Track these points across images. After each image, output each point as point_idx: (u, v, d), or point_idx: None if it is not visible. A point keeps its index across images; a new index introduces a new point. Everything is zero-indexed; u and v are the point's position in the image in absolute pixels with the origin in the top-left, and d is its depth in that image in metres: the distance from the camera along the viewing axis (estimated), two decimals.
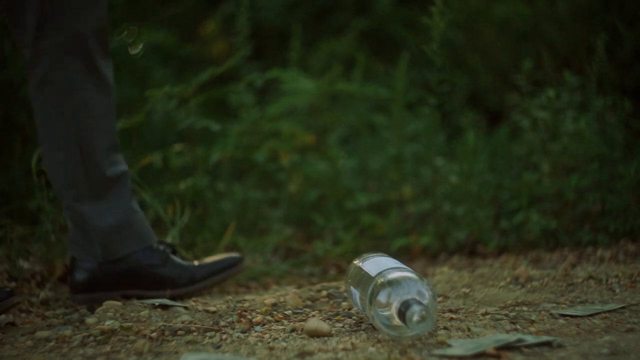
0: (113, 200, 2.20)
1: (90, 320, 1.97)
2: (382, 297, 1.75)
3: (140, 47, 3.68)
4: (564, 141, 2.74)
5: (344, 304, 2.10)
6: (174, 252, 2.31)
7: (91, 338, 1.89)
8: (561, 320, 1.88)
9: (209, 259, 2.37)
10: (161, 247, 2.28)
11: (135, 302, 2.07)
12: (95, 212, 2.19)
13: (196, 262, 2.32)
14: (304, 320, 1.96)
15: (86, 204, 2.18)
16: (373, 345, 1.74)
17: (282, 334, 1.86)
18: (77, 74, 2.13)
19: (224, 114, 3.42)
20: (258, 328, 1.92)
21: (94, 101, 2.16)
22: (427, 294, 1.75)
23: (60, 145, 2.16)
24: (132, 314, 2.00)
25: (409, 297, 1.73)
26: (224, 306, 2.09)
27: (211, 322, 1.97)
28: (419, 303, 1.71)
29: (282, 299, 2.14)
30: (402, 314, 1.71)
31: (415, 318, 1.69)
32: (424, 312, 1.69)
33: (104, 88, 2.16)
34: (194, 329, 1.92)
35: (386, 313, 1.75)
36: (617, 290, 2.10)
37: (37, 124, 2.17)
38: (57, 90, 2.13)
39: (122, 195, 2.21)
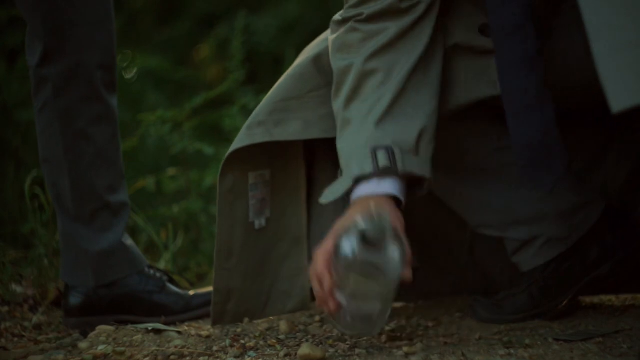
0: (107, 226, 2.20)
1: (83, 345, 1.96)
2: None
3: (135, 71, 3.70)
4: None
5: None
6: (171, 281, 2.31)
7: None
8: (555, 345, 1.88)
9: (206, 289, 2.37)
10: (158, 274, 2.28)
11: (129, 326, 2.07)
12: (87, 236, 2.19)
13: (191, 292, 2.32)
14: (297, 345, 1.95)
15: (79, 227, 2.19)
16: None
17: (275, 359, 1.86)
18: (80, 102, 2.14)
19: (217, 138, 3.43)
20: (251, 353, 1.92)
21: (96, 130, 2.17)
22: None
23: (59, 170, 2.16)
24: (125, 339, 1.99)
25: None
26: (217, 331, 2.08)
27: (204, 347, 1.96)
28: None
29: (275, 324, 2.13)
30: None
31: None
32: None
33: (107, 117, 2.17)
34: (187, 353, 1.91)
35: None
36: (611, 315, 2.10)
37: (39, 145, 2.19)
38: (58, 117, 2.14)
39: (117, 223, 2.22)
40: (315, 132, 1.97)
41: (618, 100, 1.46)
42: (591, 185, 2.08)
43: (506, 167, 2.00)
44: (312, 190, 2.13)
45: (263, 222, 2.05)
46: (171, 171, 2.94)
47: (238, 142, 1.99)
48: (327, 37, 1.96)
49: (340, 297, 1.70)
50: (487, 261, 2.21)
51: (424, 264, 2.17)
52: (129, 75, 3.59)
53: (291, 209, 2.10)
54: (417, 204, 1.97)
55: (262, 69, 4.31)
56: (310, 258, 2.06)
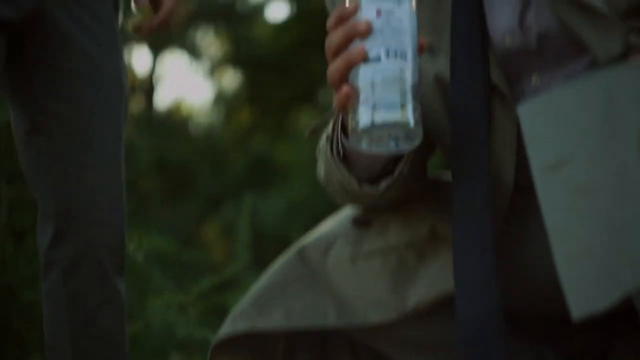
0: None
1: None
2: None
3: (142, 254, 3.71)
4: None
5: None
6: None
7: None
8: None
9: None
10: None
11: None
12: None
13: None
14: None
15: None
16: None
17: None
18: (88, 286, 2.13)
19: (223, 321, 3.41)
20: None
21: (103, 314, 2.15)
22: None
23: (64, 357, 2.14)
24: None
25: None
26: None
27: None
28: None
29: None
30: None
31: None
32: None
33: (113, 301, 2.16)
34: None
35: None
36: None
37: (45, 330, 2.17)
38: (66, 301, 2.13)
39: None
40: (298, 322, 1.95)
41: (577, 307, 1.43)
42: None
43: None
44: None
45: None
46: (176, 356, 2.91)
47: (222, 332, 1.97)
48: (324, 228, 1.99)
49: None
50: None
51: None
52: (137, 257, 3.60)
53: None
54: None
55: (268, 251, 4.32)
56: None
